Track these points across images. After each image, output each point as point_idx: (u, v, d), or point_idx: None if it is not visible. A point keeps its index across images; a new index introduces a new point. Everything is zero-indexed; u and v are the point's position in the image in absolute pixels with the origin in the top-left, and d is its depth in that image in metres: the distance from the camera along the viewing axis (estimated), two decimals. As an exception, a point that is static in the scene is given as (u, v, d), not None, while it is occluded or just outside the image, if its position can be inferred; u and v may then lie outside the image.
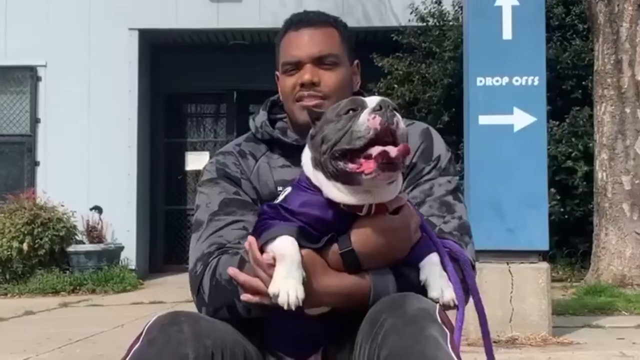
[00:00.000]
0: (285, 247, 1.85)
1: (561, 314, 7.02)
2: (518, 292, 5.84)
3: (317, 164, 1.92)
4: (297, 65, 2.23)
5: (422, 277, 1.96)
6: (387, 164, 1.80)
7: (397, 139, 1.82)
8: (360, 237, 1.91)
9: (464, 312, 1.98)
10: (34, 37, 12.45)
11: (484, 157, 5.93)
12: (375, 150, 1.81)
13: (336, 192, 1.89)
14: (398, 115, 1.84)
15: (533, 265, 5.91)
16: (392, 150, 1.80)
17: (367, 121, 1.81)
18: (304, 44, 2.23)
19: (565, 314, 7.11)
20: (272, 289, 1.83)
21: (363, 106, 1.86)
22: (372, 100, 1.88)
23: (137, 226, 12.52)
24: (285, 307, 1.81)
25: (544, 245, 5.97)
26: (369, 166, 1.81)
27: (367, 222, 1.91)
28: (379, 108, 1.82)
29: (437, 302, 1.90)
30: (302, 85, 2.21)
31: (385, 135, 1.81)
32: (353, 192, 1.87)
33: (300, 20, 2.27)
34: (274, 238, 1.88)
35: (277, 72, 2.33)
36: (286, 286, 1.82)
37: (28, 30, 12.46)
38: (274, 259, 1.86)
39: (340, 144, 1.85)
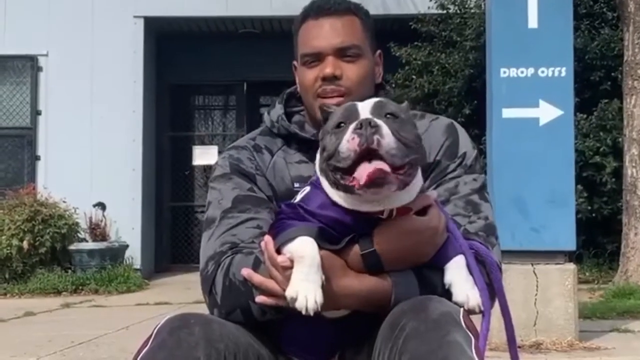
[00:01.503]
0: (304, 249, 1.86)
1: (588, 317, 6.99)
2: (543, 294, 5.82)
3: (321, 171, 1.95)
4: (317, 57, 2.22)
5: (447, 280, 1.96)
6: (370, 183, 1.81)
7: (381, 156, 1.81)
8: (383, 239, 1.91)
9: (490, 317, 1.97)
10: (35, 24, 12.46)
11: (507, 152, 5.91)
12: (357, 172, 1.82)
13: (340, 199, 1.91)
14: (383, 130, 1.82)
15: (559, 266, 5.88)
16: (362, 178, 1.81)
17: (348, 142, 1.83)
18: (325, 34, 2.22)
19: (592, 318, 7.08)
20: (289, 292, 1.83)
21: (352, 119, 1.87)
22: (364, 109, 1.90)
23: (142, 223, 12.54)
24: (304, 312, 1.81)
25: (571, 245, 5.95)
26: (357, 183, 1.82)
27: (391, 223, 1.91)
28: (359, 127, 1.83)
29: (461, 307, 1.89)
30: (324, 79, 2.20)
31: (368, 154, 1.82)
32: (358, 200, 1.89)
33: (320, 8, 2.25)
34: (292, 238, 1.88)
35: (294, 62, 2.32)
36: (305, 290, 1.82)
37: (28, 18, 12.48)
38: (291, 260, 1.86)
39: (333, 160, 1.87)
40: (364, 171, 1.81)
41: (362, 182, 1.80)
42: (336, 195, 1.91)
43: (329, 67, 2.19)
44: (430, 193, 2.01)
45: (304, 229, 1.89)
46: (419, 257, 1.95)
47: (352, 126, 1.84)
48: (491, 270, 2.04)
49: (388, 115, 1.88)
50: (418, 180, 1.94)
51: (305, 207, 1.95)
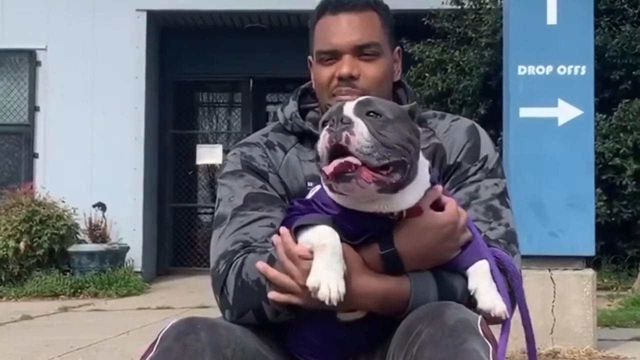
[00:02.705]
0: (325, 237, 1.86)
1: (607, 325, 6.99)
2: (561, 301, 5.81)
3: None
4: (334, 55, 2.21)
5: (471, 286, 1.96)
6: (337, 177, 1.82)
7: (351, 153, 1.82)
8: (404, 237, 1.91)
9: (510, 326, 1.97)
10: (34, 17, 12.48)
11: (524, 154, 5.91)
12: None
13: (337, 198, 1.92)
14: (354, 128, 1.83)
15: (577, 272, 5.88)
16: (329, 170, 1.84)
17: (321, 140, 1.87)
18: (342, 31, 2.20)
19: (611, 326, 7.07)
20: (311, 282, 1.82)
21: (332, 118, 1.88)
22: (348, 108, 1.90)
23: (143, 225, 12.54)
24: (327, 302, 1.80)
25: (590, 251, 5.94)
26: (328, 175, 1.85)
27: (410, 221, 1.91)
28: (332, 124, 1.85)
29: (488, 315, 1.89)
30: (340, 78, 2.19)
31: (338, 151, 1.83)
32: (352, 200, 1.89)
33: (338, 2, 2.23)
34: (310, 225, 1.88)
35: (310, 58, 2.31)
36: (327, 279, 1.81)
37: (27, 10, 12.49)
38: (311, 251, 1.85)
39: (319, 160, 1.90)
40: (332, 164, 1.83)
41: (328, 173, 1.82)
42: (332, 195, 1.92)
43: (345, 66, 2.18)
44: (436, 187, 1.99)
45: (321, 218, 1.90)
46: (441, 254, 1.95)
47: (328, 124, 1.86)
48: (512, 279, 2.04)
49: (371, 114, 1.87)
50: (423, 180, 1.94)
51: (318, 203, 1.96)
